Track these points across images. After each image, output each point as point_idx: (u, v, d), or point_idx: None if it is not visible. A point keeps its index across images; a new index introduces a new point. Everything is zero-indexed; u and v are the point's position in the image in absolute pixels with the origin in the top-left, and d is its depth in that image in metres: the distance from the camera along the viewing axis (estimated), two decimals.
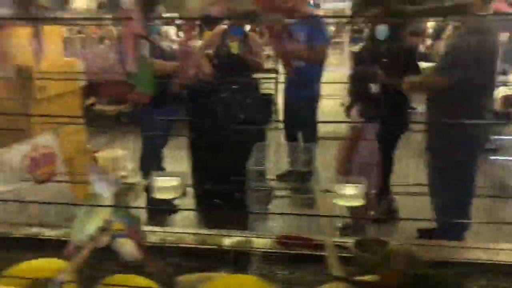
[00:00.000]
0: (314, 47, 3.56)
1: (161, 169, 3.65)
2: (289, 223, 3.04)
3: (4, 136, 2.90)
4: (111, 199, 1.20)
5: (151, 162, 3.53)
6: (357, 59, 3.27)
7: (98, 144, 4.10)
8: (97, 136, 4.38)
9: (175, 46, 3.50)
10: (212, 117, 3.50)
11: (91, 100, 4.75)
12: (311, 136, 3.92)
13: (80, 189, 3.48)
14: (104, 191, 1.19)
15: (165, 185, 1.55)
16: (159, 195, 1.56)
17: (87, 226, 1.16)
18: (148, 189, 1.58)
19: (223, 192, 3.34)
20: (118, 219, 1.24)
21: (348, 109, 3.18)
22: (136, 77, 1.45)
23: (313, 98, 3.92)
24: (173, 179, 1.56)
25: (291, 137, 4.00)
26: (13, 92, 2.88)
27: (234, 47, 3.44)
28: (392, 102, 2.98)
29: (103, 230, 1.20)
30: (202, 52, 3.44)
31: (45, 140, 3.00)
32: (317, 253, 1.67)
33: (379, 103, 2.93)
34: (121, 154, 4.03)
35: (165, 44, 3.36)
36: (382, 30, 2.89)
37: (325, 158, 3.66)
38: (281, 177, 3.85)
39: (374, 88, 2.96)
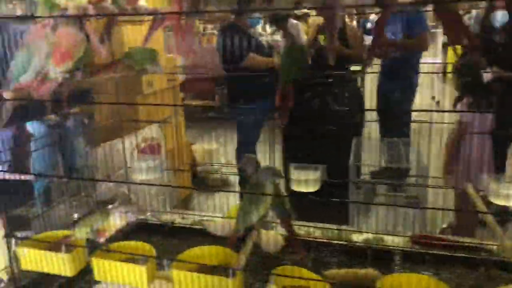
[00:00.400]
0: (415, 35, 3.39)
1: None
2: (390, 221, 2.92)
3: (115, 129, 3.05)
4: (272, 190, 1.20)
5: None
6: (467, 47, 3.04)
7: (189, 138, 4.23)
8: (187, 130, 4.50)
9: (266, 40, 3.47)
10: (308, 110, 3.44)
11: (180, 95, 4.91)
12: (408, 130, 3.74)
13: (181, 178, 3.60)
14: (266, 181, 1.19)
15: (304, 178, 1.53)
16: (297, 188, 1.54)
17: (251, 216, 1.17)
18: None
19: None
20: (274, 210, 1.24)
21: (456, 102, 2.99)
22: (286, 65, 1.44)
23: (411, 89, 3.74)
24: (311, 172, 1.54)
25: (386, 131, 3.85)
26: (123, 87, 3.02)
27: (323, 39, 3.37)
28: (508, 94, 2.76)
29: (262, 220, 1.21)
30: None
31: (152, 132, 3.14)
32: (459, 255, 1.59)
33: (493, 95, 2.73)
34: (215, 148, 4.12)
35: (262, 39, 3.35)
36: (501, 16, 2.67)
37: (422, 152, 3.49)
38: (376, 174, 3.72)
39: (486, 79, 2.76)
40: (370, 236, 1.70)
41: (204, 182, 3.74)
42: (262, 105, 3.49)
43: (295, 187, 1.55)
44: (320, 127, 3.22)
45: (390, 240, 1.69)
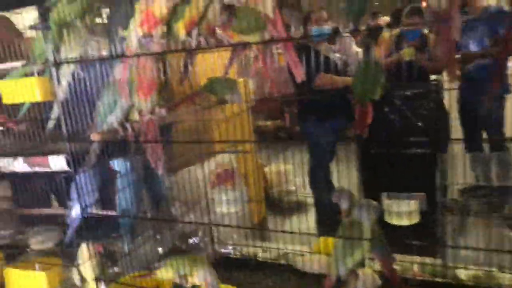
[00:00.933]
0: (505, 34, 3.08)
1: (330, 183, 3.51)
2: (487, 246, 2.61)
3: (192, 155, 3.06)
4: (370, 228, 1.07)
5: (320, 177, 3.42)
6: None
7: (261, 159, 4.16)
8: (259, 152, 4.46)
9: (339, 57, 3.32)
10: (386, 128, 3.23)
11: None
12: (501, 143, 3.37)
13: (256, 206, 3.54)
14: (364, 218, 1.07)
15: (400, 209, 1.38)
16: (392, 220, 1.39)
17: (348, 259, 1.05)
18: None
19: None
20: (373, 250, 1.11)
21: None
22: (358, 81, 1.32)
23: (500, 97, 3.39)
24: (408, 202, 1.38)
25: (474, 145, 3.52)
26: (198, 113, 3.04)
27: (409, 53, 3.15)
28: None
29: (362, 263, 1.08)
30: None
31: (226, 157, 3.11)
32: None
33: None
34: (289, 169, 4.02)
35: (335, 56, 3.22)
36: None
37: None
38: (465, 192, 3.40)
39: None
40: (479, 273, 1.49)
41: (279, 204, 3.64)
42: (334, 124, 3.36)
43: (390, 220, 1.40)
44: (401, 144, 3.00)
45: (504, 278, 1.47)
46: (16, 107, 1.38)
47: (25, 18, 1.48)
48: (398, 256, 1.54)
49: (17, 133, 1.35)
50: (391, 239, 1.31)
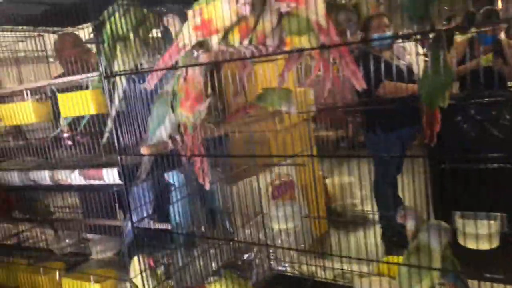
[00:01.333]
0: None
1: (396, 198, 3.30)
2: None
3: (250, 167, 3.02)
4: (440, 252, 0.95)
5: (385, 190, 3.23)
6: None
7: (322, 171, 4.04)
8: (320, 163, 4.33)
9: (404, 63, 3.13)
10: (459, 137, 2.99)
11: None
12: None
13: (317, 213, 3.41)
14: (433, 241, 0.94)
15: (477, 231, 1.22)
16: (467, 244, 1.23)
17: (416, 287, 0.93)
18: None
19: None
20: (446, 277, 0.98)
21: None
22: (426, 86, 1.20)
23: None
24: (487, 223, 1.22)
25: None
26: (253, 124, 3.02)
27: (487, 59, 2.91)
28: None
29: None
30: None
31: (285, 168, 3.04)
32: None
33: None
34: (350, 181, 3.86)
35: (400, 62, 3.04)
36: None
37: None
38: None
39: None
40: None
41: (340, 219, 3.50)
42: (400, 134, 3.16)
43: (465, 243, 1.24)
44: (476, 156, 2.75)
45: None
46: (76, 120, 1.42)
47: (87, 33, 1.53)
48: (474, 284, 1.37)
49: (75, 146, 1.38)
50: (466, 264, 1.16)
